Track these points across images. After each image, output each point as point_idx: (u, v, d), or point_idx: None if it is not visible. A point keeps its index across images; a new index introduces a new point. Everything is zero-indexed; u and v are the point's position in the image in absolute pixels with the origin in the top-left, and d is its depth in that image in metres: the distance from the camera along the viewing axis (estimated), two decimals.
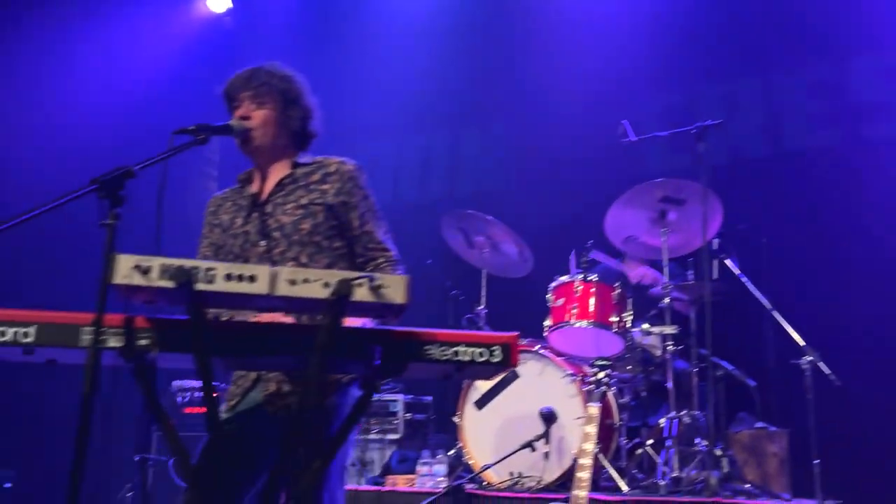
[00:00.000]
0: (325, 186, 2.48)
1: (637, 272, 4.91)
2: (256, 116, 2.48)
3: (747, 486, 3.84)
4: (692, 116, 5.66)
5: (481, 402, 4.14)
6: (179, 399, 5.99)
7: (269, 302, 1.78)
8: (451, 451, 4.33)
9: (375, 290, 1.75)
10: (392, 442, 5.05)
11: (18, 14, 6.69)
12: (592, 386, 3.45)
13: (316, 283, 1.72)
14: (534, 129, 6.19)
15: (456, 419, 4.18)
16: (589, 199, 5.03)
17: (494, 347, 2.00)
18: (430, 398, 5.23)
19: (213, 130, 2.31)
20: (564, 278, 4.26)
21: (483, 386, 4.15)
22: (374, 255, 2.49)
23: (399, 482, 4.17)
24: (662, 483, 3.64)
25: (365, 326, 2.17)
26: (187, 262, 1.71)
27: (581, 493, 3.22)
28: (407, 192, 7.13)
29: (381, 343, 1.90)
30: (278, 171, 2.53)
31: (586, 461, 3.27)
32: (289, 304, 1.78)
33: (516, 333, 2.03)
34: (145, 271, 1.69)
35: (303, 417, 1.79)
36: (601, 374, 3.46)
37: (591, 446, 3.30)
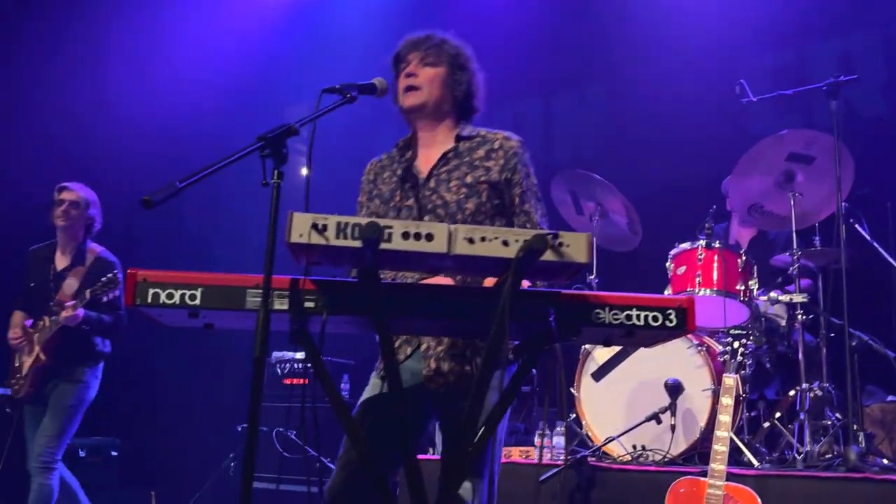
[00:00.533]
0: (489, 163, 2.38)
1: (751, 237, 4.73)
2: (423, 74, 2.42)
3: (885, 461, 3.64)
4: (803, 76, 5.39)
5: (599, 374, 4.02)
6: (279, 370, 6.05)
7: (443, 261, 1.70)
8: (564, 425, 4.22)
9: (557, 248, 1.65)
10: None
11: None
12: (728, 356, 3.31)
13: (495, 242, 1.62)
14: (638, 93, 5.97)
15: (573, 391, 4.07)
16: (699, 165, 4.83)
17: (669, 311, 1.89)
18: (534, 371, 5.13)
19: (360, 89, 2.23)
20: (685, 245, 4.08)
21: (600, 357, 4.03)
22: None
23: (514, 454, 4.09)
24: (799, 457, 3.47)
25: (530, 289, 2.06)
26: (363, 220, 1.63)
27: (719, 466, 3.09)
28: None
29: (554, 306, 1.81)
30: (441, 143, 2.44)
31: (723, 434, 3.14)
32: (464, 263, 1.68)
33: (692, 297, 1.92)
34: (322, 230, 1.62)
35: (482, 384, 1.71)
36: (736, 344, 3.32)
37: (727, 418, 3.17)
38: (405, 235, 1.63)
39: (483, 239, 1.64)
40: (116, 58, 6.85)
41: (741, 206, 4.16)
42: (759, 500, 3.04)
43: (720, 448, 3.11)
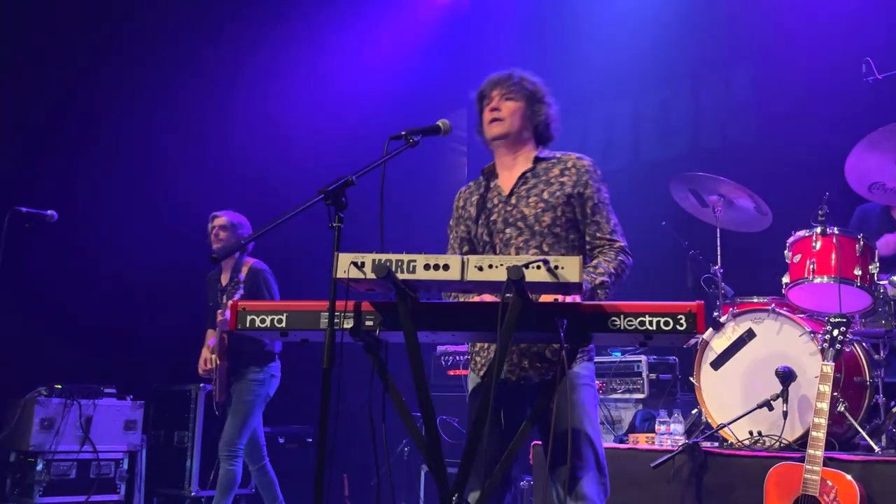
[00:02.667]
0: (563, 179, 2.70)
1: None
2: (505, 108, 2.76)
3: None
4: None
5: (717, 363, 4.14)
6: (444, 362, 6.57)
7: (463, 286, 2.06)
8: (694, 411, 4.38)
9: (552, 271, 1.96)
10: (638, 401, 5.18)
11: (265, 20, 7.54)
12: (826, 344, 3.37)
13: (500, 269, 1.96)
14: (770, 76, 5.89)
15: (692, 380, 4.22)
16: (832, 146, 4.74)
17: (679, 316, 2.13)
18: (674, 359, 5.27)
19: (423, 132, 2.61)
20: (802, 233, 4.10)
21: (719, 347, 4.15)
22: (601, 243, 2.68)
23: (640, 440, 4.31)
24: None
25: (568, 301, 2.33)
26: (393, 257, 2.03)
27: (816, 451, 3.19)
28: (646, 151, 7.09)
29: (567, 316, 2.11)
30: (521, 165, 2.78)
31: (820, 420, 3.23)
32: (479, 286, 2.03)
33: (701, 302, 2.14)
34: (360, 266, 2.03)
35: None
36: (835, 332, 3.36)
37: (823, 405, 3.24)
38: (426, 267, 2.01)
39: (490, 266, 1.99)
40: (284, 80, 7.63)
41: (862, 184, 4.12)
42: (856, 485, 3.11)
43: (817, 434, 3.20)
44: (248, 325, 2.26)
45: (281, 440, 7.35)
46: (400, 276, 2.01)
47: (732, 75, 6.52)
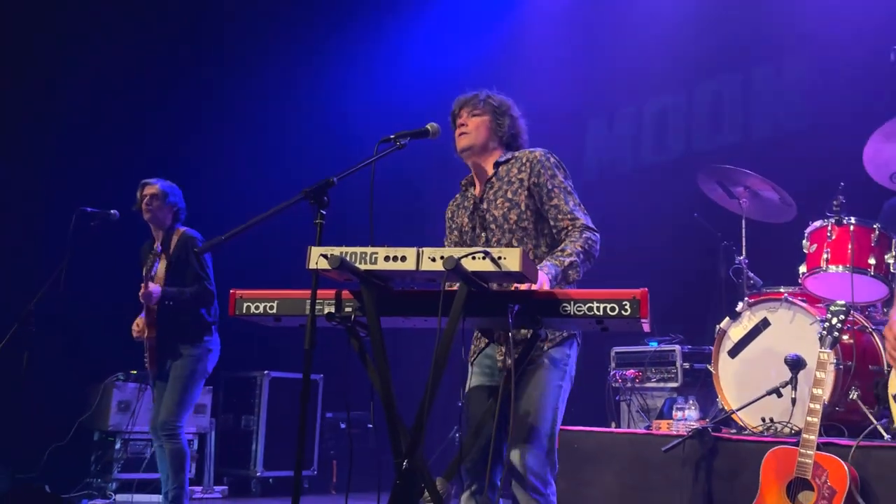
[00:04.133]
0: (521, 176, 2.91)
1: None
2: (471, 122, 3.01)
3: None
4: None
5: (734, 351, 4.23)
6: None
7: (421, 275, 2.28)
8: (718, 399, 4.47)
9: (494, 261, 2.17)
10: (672, 390, 5.28)
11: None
12: (825, 332, 3.44)
13: (440, 260, 2.18)
14: (805, 67, 5.86)
15: (710, 368, 4.32)
16: (858, 137, 4.73)
17: (625, 302, 2.31)
18: (710, 348, 5.33)
19: (412, 135, 2.84)
20: (818, 223, 4.15)
21: (735, 335, 4.24)
22: (564, 225, 2.86)
23: (662, 426, 4.44)
24: None
25: (523, 289, 2.51)
26: (357, 250, 2.28)
27: (810, 436, 3.27)
28: (697, 142, 7.11)
29: (518, 302, 2.31)
30: (486, 172, 3.01)
31: (816, 406, 3.31)
32: (431, 275, 2.26)
33: (645, 289, 2.31)
34: (327, 258, 2.29)
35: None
36: (834, 321, 3.43)
37: (820, 392, 3.32)
38: (386, 258, 2.25)
39: (440, 258, 2.21)
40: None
41: (882, 174, 4.12)
42: (847, 469, 3.18)
43: (812, 419, 3.28)
44: (244, 311, 2.54)
45: (342, 426, 7.74)
46: (363, 266, 2.26)
47: (774, 66, 6.50)
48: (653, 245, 6.20)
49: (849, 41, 5.65)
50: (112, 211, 4.76)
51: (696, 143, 7.10)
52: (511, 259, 2.17)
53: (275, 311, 2.53)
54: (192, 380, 4.50)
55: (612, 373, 5.48)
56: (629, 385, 5.38)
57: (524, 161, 2.93)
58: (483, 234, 2.94)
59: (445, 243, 3.14)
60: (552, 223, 2.88)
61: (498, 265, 2.17)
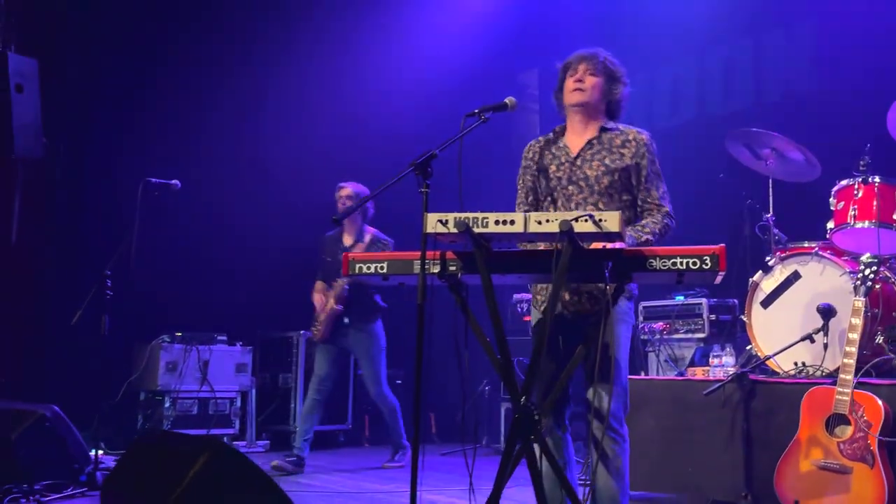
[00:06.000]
0: (623, 150, 3.16)
1: None
2: (588, 81, 3.20)
3: None
4: None
5: (766, 302, 4.56)
6: (519, 309, 7.13)
7: (526, 237, 2.58)
8: (749, 347, 4.81)
9: (597, 223, 2.46)
10: (699, 340, 5.64)
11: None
12: (858, 282, 3.76)
13: (554, 223, 2.48)
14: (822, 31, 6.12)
15: (744, 318, 4.66)
16: (878, 97, 5.02)
17: (705, 257, 2.61)
18: (734, 301, 5.68)
19: (493, 108, 3.09)
20: (845, 182, 4.45)
21: (768, 287, 4.56)
22: (650, 207, 3.17)
23: (697, 373, 4.78)
24: None
25: (613, 247, 2.80)
26: (470, 215, 2.56)
27: (847, 376, 3.62)
28: (710, 106, 7.39)
29: (611, 259, 2.61)
30: (590, 132, 3.23)
31: (851, 349, 3.65)
32: (538, 237, 2.55)
33: (723, 245, 2.61)
34: (445, 223, 2.57)
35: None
36: (867, 271, 3.75)
37: (855, 336, 3.66)
38: (496, 222, 2.54)
39: (548, 221, 2.50)
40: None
41: None
42: (881, 404, 3.53)
43: (848, 361, 3.62)
44: (356, 271, 2.84)
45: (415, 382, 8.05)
46: (476, 230, 2.55)
47: (791, 28, 6.76)
48: (676, 205, 6.50)
49: (859, 5, 5.93)
50: (173, 181, 5.02)
51: (709, 108, 7.39)
52: (611, 221, 2.47)
53: (385, 270, 2.82)
54: (383, 354, 5.99)
55: (640, 326, 5.83)
56: (657, 336, 5.73)
57: (631, 139, 3.17)
58: (571, 188, 3.15)
59: (518, 185, 3.32)
60: (640, 203, 3.17)
61: (600, 227, 2.46)
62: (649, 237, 3.03)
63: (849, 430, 3.57)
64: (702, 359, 5.20)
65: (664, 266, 2.62)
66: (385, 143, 7.57)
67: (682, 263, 2.61)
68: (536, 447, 2.62)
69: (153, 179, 4.89)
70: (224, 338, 6.99)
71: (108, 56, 7.03)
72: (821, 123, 5.91)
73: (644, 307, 5.89)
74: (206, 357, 6.74)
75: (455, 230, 2.52)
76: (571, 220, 2.42)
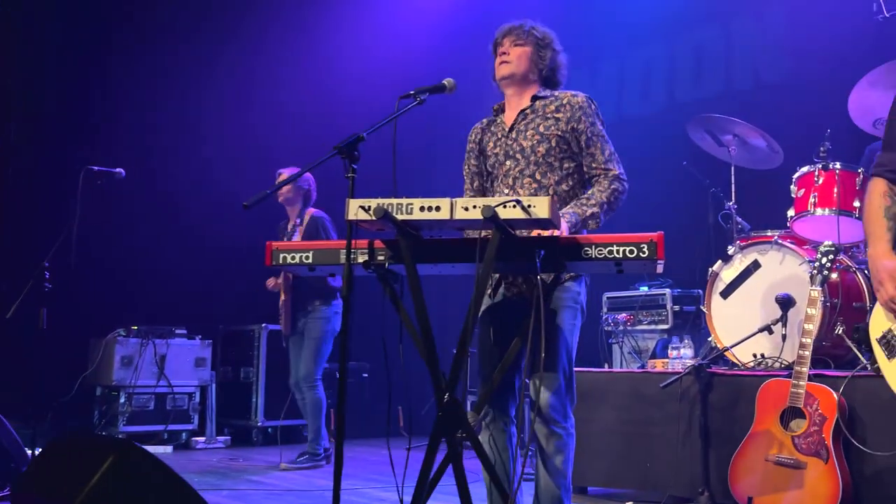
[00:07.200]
0: (558, 115, 3.00)
1: None
2: (514, 52, 3.06)
3: None
4: None
5: (726, 292, 4.45)
6: None
7: (453, 224, 2.44)
8: (710, 338, 4.70)
9: (525, 209, 2.32)
10: (663, 331, 5.52)
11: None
12: (815, 271, 3.65)
13: (477, 210, 2.33)
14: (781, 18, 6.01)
15: (703, 308, 4.54)
16: (846, 85, 4.92)
17: (643, 245, 2.48)
18: (698, 291, 5.56)
19: (430, 90, 2.95)
20: (806, 168, 4.34)
21: (727, 277, 4.45)
22: (597, 173, 2.99)
23: (657, 365, 4.67)
24: None
25: (547, 235, 2.66)
26: (394, 201, 2.42)
27: (802, 368, 3.50)
28: (681, 93, 7.27)
29: (544, 247, 2.48)
30: (522, 103, 3.09)
31: (807, 340, 3.53)
32: (465, 224, 2.41)
33: (661, 233, 2.47)
34: (367, 209, 2.43)
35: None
36: (824, 260, 3.64)
37: (811, 327, 3.55)
38: (421, 209, 2.39)
39: (474, 207, 2.36)
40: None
41: (866, 121, 4.32)
42: (836, 397, 3.43)
43: (803, 353, 3.51)
44: (279, 261, 2.69)
45: (338, 375, 7.91)
46: (400, 216, 2.40)
47: (761, 14, 6.65)
48: (641, 192, 6.38)
49: None
50: (117, 170, 4.85)
51: (679, 94, 7.26)
52: (540, 207, 2.32)
53: (310, 260, 2.67)
54: (326, 339, 5.62)
55: (604, 317, 5.71)
56: (621, 328, 5.61)
57: (565, 103, 3.00)
58: (507, 163, 3.01)
59: (464, 171, 3.20)
60: (586, 169, 2.99)
61: (528, 213, 2.32)
62: (595, 209, 2.86)
63: (804, 424, 3.46)
64: (663, 350, 5.08)
65: (600, 254, 2.49)
66: (337, 130, 7.43)
67: (618, 252, 2.48)
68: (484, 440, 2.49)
69: (95, 167, 4.71)
70: (184, 331, 6.83)
71: (57, 44, 6.82)
72: (789, 112, 5.80)
73: (608, 298, 5.77)
74: (162, 351, 6.58)
75: (373, 217, 2.38)
76: (496, 205, 2.28)
